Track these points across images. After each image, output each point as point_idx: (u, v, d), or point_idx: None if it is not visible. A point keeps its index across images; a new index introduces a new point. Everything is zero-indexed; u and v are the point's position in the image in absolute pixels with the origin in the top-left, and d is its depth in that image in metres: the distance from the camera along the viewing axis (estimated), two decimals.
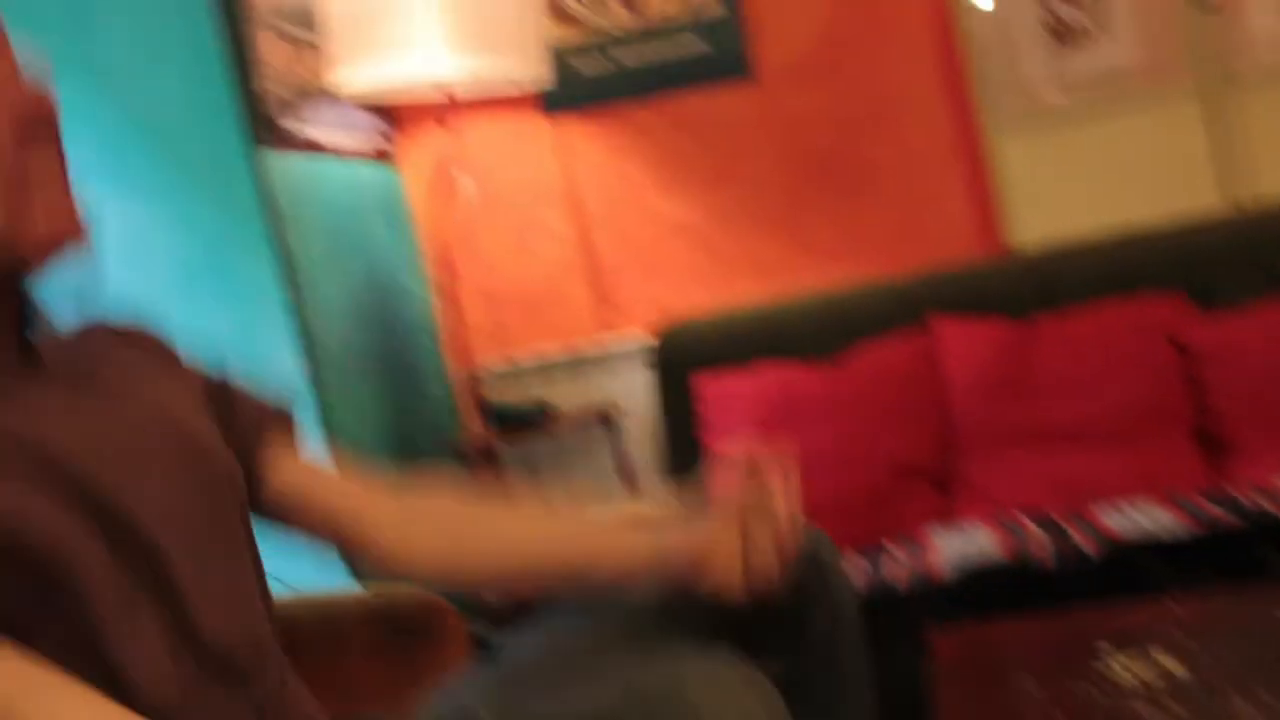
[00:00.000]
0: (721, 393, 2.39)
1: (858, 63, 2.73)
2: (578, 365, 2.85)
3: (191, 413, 0.98)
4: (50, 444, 0.84)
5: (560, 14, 2.77)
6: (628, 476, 2.73)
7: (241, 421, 1.04)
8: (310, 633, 1.28)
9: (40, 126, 0.87)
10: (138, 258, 2.29)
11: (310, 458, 1.09)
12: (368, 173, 2.70)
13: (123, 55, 2.23)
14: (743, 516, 1.04)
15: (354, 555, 1.09)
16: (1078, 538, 1.89)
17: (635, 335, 2.80)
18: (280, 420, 1.08)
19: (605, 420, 2.74)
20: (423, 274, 2.88)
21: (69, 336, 1.00)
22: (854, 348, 2.38)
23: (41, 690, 0.74)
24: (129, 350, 1.01)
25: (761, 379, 2.36)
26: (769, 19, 2.75)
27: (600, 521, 1.11)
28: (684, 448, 2.44)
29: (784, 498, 1.05)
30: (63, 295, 2.26)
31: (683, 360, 2.52)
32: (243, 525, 0.98)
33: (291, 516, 1.06)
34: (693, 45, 2.76)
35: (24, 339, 0.93)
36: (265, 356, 2.28)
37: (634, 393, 2.80)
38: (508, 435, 2.66)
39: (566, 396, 2.81)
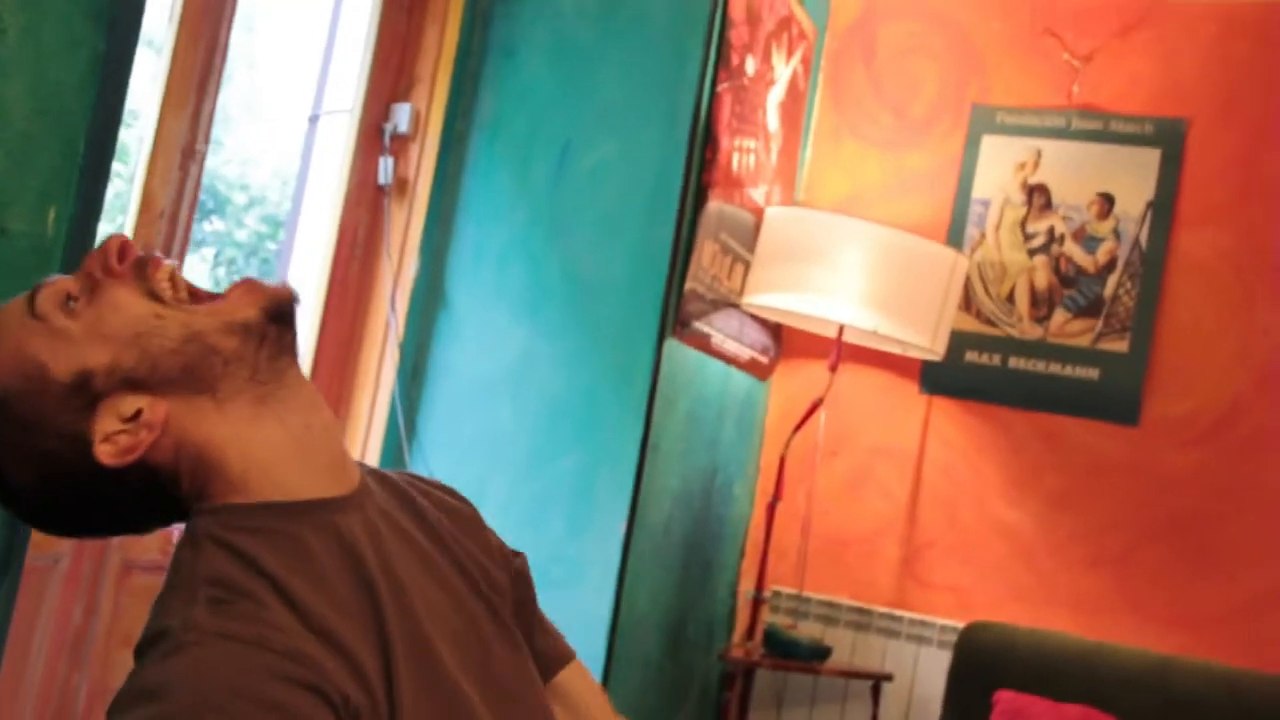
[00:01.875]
0: (1022, 713, 2.35)
1: (1252, 437, 2.67)
2: (863, 622, 2.87)
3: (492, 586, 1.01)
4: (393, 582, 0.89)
5: (972, 307, 2.90)
6: None
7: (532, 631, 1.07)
8: None
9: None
10: (521, 385, 2.53)
11: (586, 678, 1.11)
12: (740, 380, 2.88)
13: (587, 220, 2.51)
14: None
15: None
16: None
17: (928, 615, 2.80)
18: (565, 650, 1.11)
19: (874, 684, 2.74)
20: (752, 486, 3.01)
21: (383, 473, 1.03)
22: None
23: None
24: (446, 500, 1.06)
25: (1070, 716, 2.30)
26: (1173, 369, 2.74)
27: None
28: None
29: None
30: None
31: (981, 662, 2.50)
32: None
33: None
34: (1087, 374, 2.80)
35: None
36: (594, 504, 2.45)
37: (910, 670, 2.78)
38: (774, 662, 2.70)
39: (841, 647, 2.83)
